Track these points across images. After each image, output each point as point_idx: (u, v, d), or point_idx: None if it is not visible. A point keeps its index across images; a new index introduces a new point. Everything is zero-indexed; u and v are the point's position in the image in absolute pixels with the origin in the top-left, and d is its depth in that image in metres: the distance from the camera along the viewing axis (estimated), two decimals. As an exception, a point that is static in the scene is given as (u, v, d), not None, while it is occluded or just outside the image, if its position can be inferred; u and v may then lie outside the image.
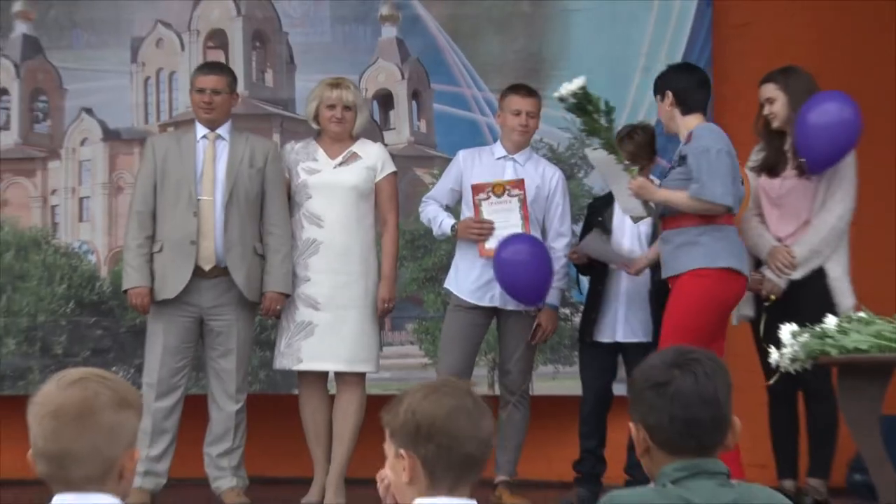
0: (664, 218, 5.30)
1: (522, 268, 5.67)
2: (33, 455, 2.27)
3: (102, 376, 2.30)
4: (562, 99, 5.37)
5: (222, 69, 6.04)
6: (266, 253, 5.77)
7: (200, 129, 5.83)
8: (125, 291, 5.79)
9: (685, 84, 5.35)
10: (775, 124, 5.61)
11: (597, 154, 5.45)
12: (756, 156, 5.74)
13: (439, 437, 2.36)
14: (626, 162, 5.34)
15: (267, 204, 5.79)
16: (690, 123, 5.28)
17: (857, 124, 5.51)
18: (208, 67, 6.04)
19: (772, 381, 4.94)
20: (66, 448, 2.23)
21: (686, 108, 5.31)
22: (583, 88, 5.31)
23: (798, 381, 5.32)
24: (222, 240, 5.70)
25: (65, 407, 2.24)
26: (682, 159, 5.19)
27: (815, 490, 5.62)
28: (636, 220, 5.52)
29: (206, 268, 5.70)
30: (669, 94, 5.32)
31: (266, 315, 5.92)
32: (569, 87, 5.32)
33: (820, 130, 5.45)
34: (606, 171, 5.47)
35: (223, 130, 5.83)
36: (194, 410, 5.87)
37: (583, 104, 5.32)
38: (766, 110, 5.62)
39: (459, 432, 2.36)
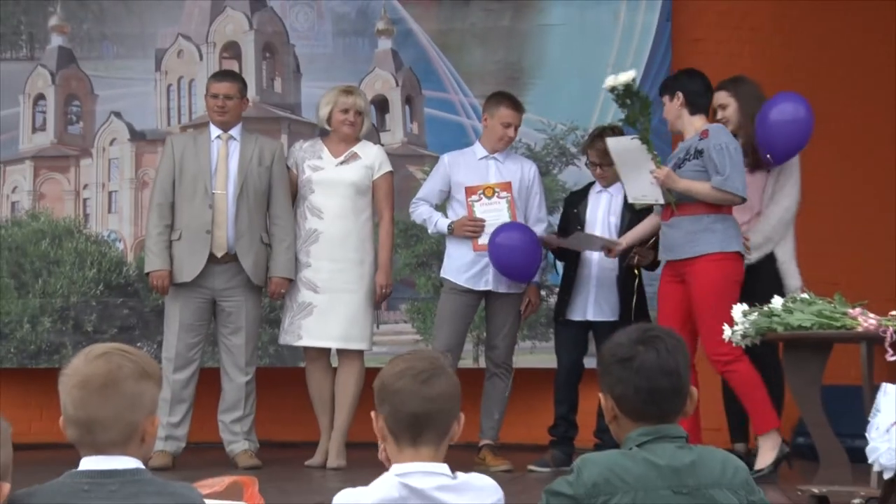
0: (676, 205, 5.22)
1: (517, 251, 5.65)
2: (64, 422, 2.22)
3: (125, 350, 2.26)
4: (612, 89, 5.23)
5: (234, 76, 6.01)
6: (272, 242, 5.75)
7: (214, 131, 5.80)
8: (147, 274, 5.78)
9: (695, 87, 5.29)
10: (729, 128, 5.56)
11: (617, 142, 5.37)
12: None
13: (390, 397, 2.35)
14: (655, 152, 5.22)
15: (273, 198, 5.77)
16: (697, 123, 5.25)
17: (810, 121, 5.48)
18: (221, 75, 6.02)
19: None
20: (93, 415, 2.18)
21: (693, 109, 5.26)
22: (631, 82, 5.20)
23: (751, 355, 5.33)
24: (233, 229, 5.68)
25: (91, 378, 2.19)
26: (699, 153, 5.15)
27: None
28: (640, 207, 5.44)
29: (219, 254, 5.69)
30: (680, 94, 5.26)
31: (273, 298, 5.91)
32: (618, 78, 5.21)
33: (781, 126, 5.41)
34: (625, 158, 5.33)
35: (235, 132, 5.80)
36: (209, 382, 5.85)
37: (627, 95, 5.21)
38: (720, 115, 5.56)
39: (403, 391, 2.33)
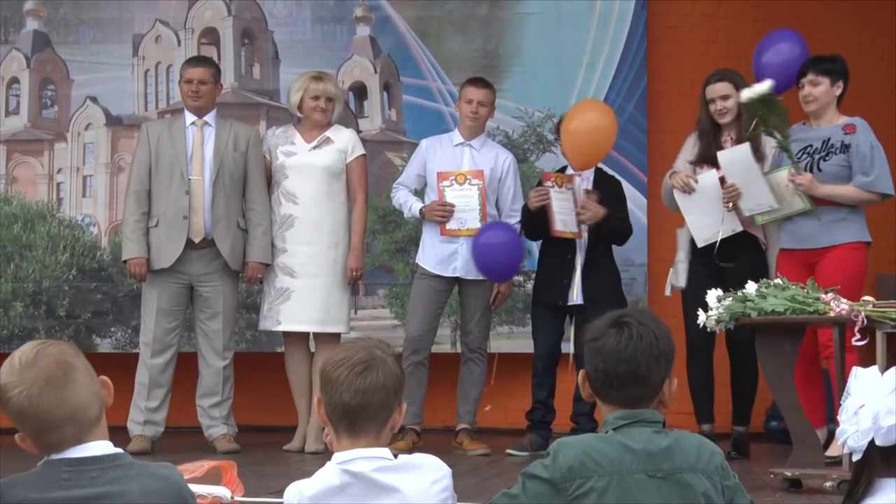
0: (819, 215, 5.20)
1: (498, 252, 5.65)
2: (32, 436, 2.12)
3: (41, 342, 2.18)
4: (748, 102, 5.19)
5: (208, 62, 5.98)
6: (248, 227, 5.74)
7: (189, 117, 5.77)
8: (125, 262, 5.75)
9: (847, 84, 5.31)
10: (727, 119, 5.56)
11: (727, 155, 5.34)
12: (691, 152, 5.69)
13: (327, 386, 2.35)
14: (795, 160, 5.20)
15: (249, 184, 5.75)
16: (838, 115, 5.27)
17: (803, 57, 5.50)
18: (195, 60, 5.99)
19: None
20: (78, 401, 2.12)
21: (839, 101, 5.29)
22: (767, 92, 5.16)
23: (727, 342, 5.40)
24: (210, 215, 5.66)
25: (49, 377, 2.10)
26: (845, 147, 5.17)
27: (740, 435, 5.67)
28: (763, 222, 5.36)
29: (196, 240, 5.66)
30: (842, 84, 5.26)
31: (250, 282, 5.89)
32: (755, 89, 5.17)
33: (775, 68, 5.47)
34: (734, 170, 5.32)
35: (210, 118, 5.77)
36: (188, 367, 5.82)
37: (765, 106, 5.18)
38: (720, 105, 5.55)
39: (338, 382, 2.32)
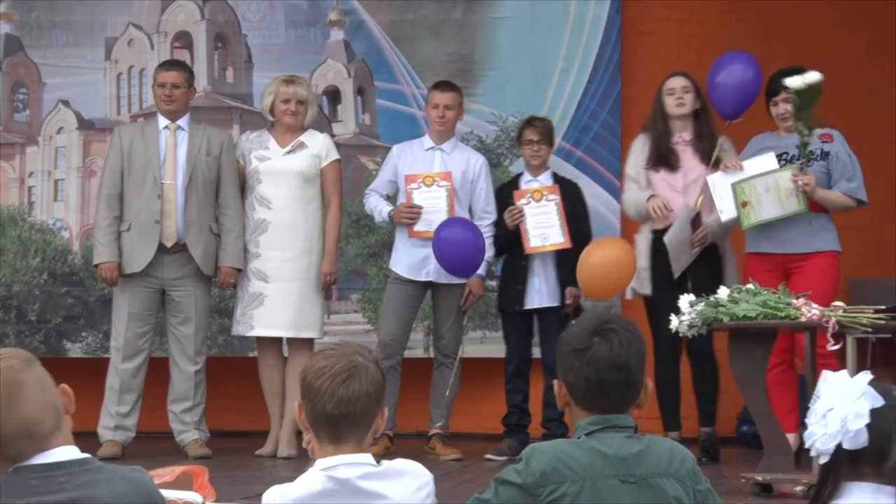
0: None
1: (458, 246, 5.65)
2: None
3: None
4: (798, 91, 5.17)
5: (181, 66, 5.95)
6: (221, 232, 5.71)
7: (162, 121, 5.74)
8: (96, 266, 5.71)
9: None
10: (684, 110, 5.60)
11: (758, 161, 5.37)
12: (641, 153, 5.69)
13: (309, 394, 2.33)
14: (810, 159, 5.25)
15: (222, 188, 5.73)
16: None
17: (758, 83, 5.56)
18: (168, 64, 5.96)
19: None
20: (28, 417, 2.10)
21: None
22: (817, 82, 5.16)
23: (684, 347, 5.45)
24: (182, 219, 5.63)
25: None
26: (825, 155, 5.27)
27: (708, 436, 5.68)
28: (747, 226, 5.36)
29: (169, 244, 5.64)
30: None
31: (222, 287, 5.87)
32: (805, 78, 5.16)
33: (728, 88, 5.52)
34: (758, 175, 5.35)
35: (183, 122, 5.75)
36: (159, 372, 5.79)
37: (813, 96, 5.19)
38: (679, 95, 5.59)
39: (320, 392, 2.31)
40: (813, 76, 5.18)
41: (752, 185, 5.34)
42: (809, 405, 2.22)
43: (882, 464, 2.13)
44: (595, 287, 5.55)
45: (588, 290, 5.60)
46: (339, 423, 2.31)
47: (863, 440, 2.11)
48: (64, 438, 2.16)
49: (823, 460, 2.16)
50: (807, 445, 2.20)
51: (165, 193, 5.63)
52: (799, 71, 5.33)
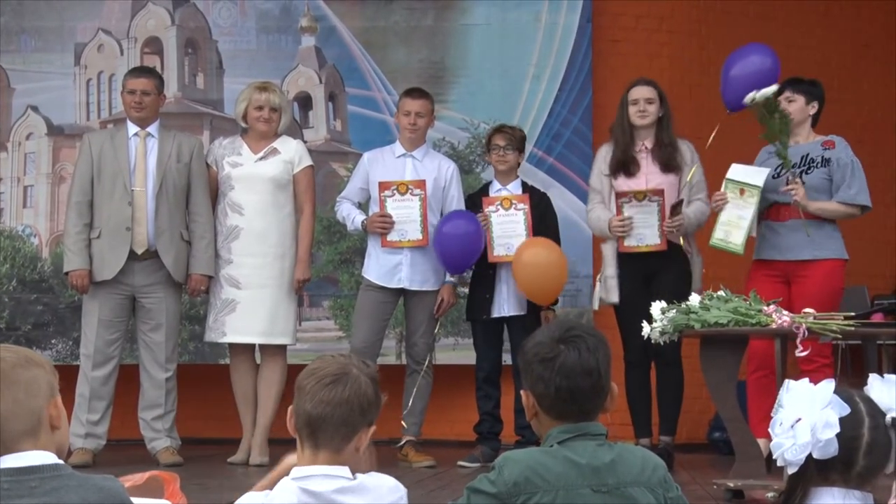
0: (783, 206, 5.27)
1: (459, 241, 5.63)
2: None
3: (3, 346, 2.19)
4: (751, 102, 5.21)
5: (151, 73, 5.92)
6: (191, 239, 5.69)
7: (132, 127, 5.71)
8: (66, 273, 5.67)
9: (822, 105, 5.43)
10: (647, 121, 5.61)
11: (738, 171, 5.35)
12: (605, 161, 5.71)
13: (297, 392, 2.36)
14: (791, 166, 5.25)
15: (192, 195, 5.71)
16: (814, 133, 5.38)
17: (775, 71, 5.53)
18: (138, 71, 5.93)
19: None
20: None
21: (815, 121, 5.40)
22: (772, 97, 5.20)
23: (652, 353, 5.42)
24: (153, 226, 5.61)
25: None
26: (826, 161, 5.26)
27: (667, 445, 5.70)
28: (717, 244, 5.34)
29: (139, 251, 5.61)
30: (817, 104, 5.39)
31: (193, 294, 5.84)
32: (760, 92, 5.19)
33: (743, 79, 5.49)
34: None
35: (153, 128, 5.72)
36: (131, 379, 5.76)
37: (768, 111, 5.22)
38: (641, 107, 5.60)
39: (304, 390, 2.34)
40: (767, 90, 5.22)
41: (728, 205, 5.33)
42: (772, 414, 2.23)
43: (850, 470, 2.15)
44: (536, 291, 5.58)
45: (530, 294, 5.61)
46: (316, 425, 2.31)
47: (833, 449, 2.12)
48: (37, 445, 2.14)
49: (792, 470, 2.17)
50: (775, 456, 2.21)
51: (136, 200, 5.60)
52: (813, 82, 5.41)
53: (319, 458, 2.32)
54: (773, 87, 5.24)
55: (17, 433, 2.12)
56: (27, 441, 2.13)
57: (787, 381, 2.25)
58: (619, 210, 5.53)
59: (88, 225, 5.62)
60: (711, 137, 5.51)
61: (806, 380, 2.22)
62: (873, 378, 2.26)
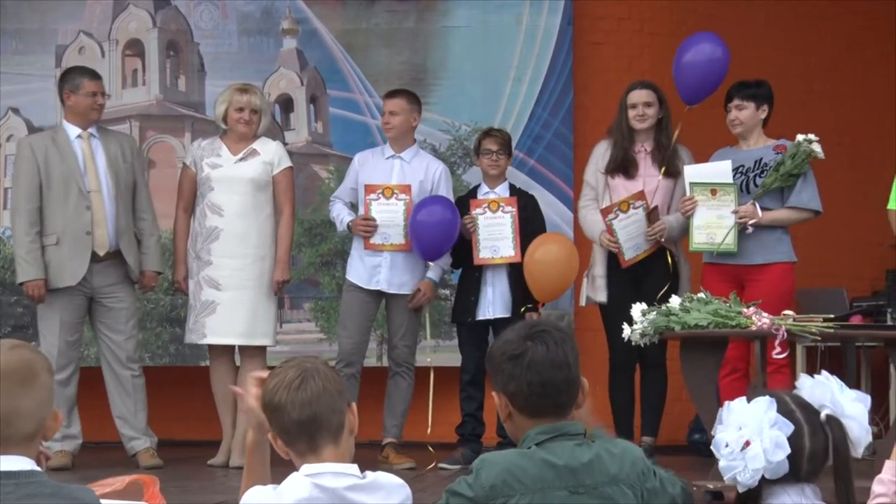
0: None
1: (434, 228, 5.63)
2: None
3: (28, 345, 2.24)
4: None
5: (100, 75, 5.82)
6: (141, 237, 5.68)
7: (73, 129, 5.62)
8: (20, 284, 5.58)
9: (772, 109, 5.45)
10: (646, 125, 5.61)
11: (695, 170, 5.40)
12: (602, 159, 5.72)
13: (273, 413, 2.34)
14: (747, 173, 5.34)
15: (137, 194, 5.70)
16: (765, 137, 5.42)
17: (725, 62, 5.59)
18: (94, 74, 5.76)
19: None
20: (16, 406, 2.12)
21: (765, 124, 5.43)
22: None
23: (637, 355, 5.43)
24: (113, 227, 5.57)
25: (10, 370, 2.13)
26: (779, 166, 5.28)
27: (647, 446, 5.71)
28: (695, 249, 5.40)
29: (101, 253, 5.55)
30: (767, 108, 5.41)
31: (145, 290, 5.84)
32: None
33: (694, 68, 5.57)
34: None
35: (93, 129, 5.66)
36: (104, 381, 5.70)
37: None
38: (640, 111, 5.60)
39: (281, 405, 2.32)
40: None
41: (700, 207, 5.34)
42: (712, 433, 2.25)
43: (797, 475, 2.21)
44: (544, 287, 5.57)
45: (538, 291, 5.60)
46: (311, 428, 2.30)
47: (784, 468, 2.17)
48: (17, 449, 2.14)
49: (742, 490, 2.20)
50: (726, 478, 2.22)
51: (93, 202, 5.54)
52: (758, 84, 5.40)
53: (324, 457, 2.31)
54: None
55: (25, 434, 2.13)
56: (22, 445, 2.14)
57: (727, 402, 2.27)
58: (610, 229, 5.53)
59: (40, 232, 5.52)
60: (674, 137, 5.54)
61: (742, 399, 2.24)
62: (804, 378, 2.29)
